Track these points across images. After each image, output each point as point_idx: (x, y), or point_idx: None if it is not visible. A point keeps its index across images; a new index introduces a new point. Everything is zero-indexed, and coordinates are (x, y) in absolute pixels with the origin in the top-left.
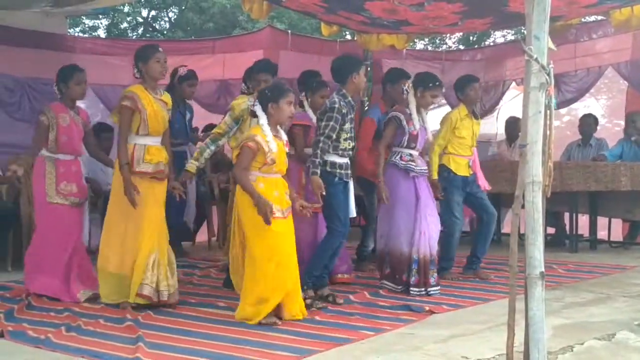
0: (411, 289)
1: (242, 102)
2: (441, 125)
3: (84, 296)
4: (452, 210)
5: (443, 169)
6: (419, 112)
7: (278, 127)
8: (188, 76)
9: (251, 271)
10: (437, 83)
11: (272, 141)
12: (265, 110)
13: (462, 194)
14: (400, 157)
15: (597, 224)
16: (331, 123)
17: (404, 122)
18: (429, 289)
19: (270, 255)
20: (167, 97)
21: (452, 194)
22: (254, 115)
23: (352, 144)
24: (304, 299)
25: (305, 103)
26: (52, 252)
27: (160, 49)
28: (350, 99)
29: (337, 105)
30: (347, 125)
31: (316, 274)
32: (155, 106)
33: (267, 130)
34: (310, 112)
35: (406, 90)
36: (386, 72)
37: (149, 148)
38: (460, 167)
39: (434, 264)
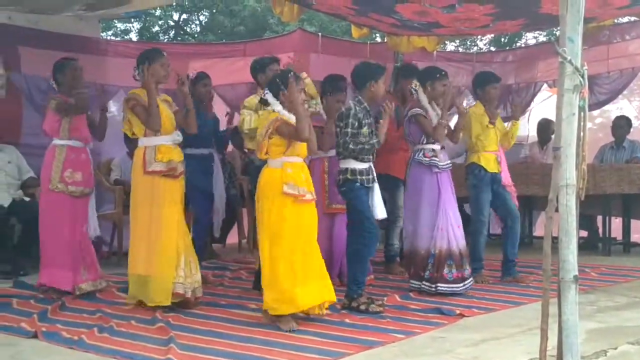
0: (423, 283)
1: (254, 97)
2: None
3: (80, 291)
4: (481, 209)
5: (474, 166)
6: (432, 106)
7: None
8: (200, 77)
9: (269, 258)
10: (443, 72)
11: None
12: (277, 97)
13: (490, 193)
14: (424, 153)
15: (631, 227)
16: (346, 129)
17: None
18: (438, 285)
19: (293, 240)
20: (168, 97)
21: (482, 192)
22: (265, 103)
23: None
24: (357, 306)
25: (320, 106)
26: (56, 241)
27: (164, 53)
28: (365, 104)
29: (352, 111)
30: (365, 130)
31: (362, 280)
32: (160, 106)
33: (285, 113)
34: (324, 115)
35: (415, 90)
36: (400, 68)
37: (160, 147)
38: (490, 163)
39: (452, 258)
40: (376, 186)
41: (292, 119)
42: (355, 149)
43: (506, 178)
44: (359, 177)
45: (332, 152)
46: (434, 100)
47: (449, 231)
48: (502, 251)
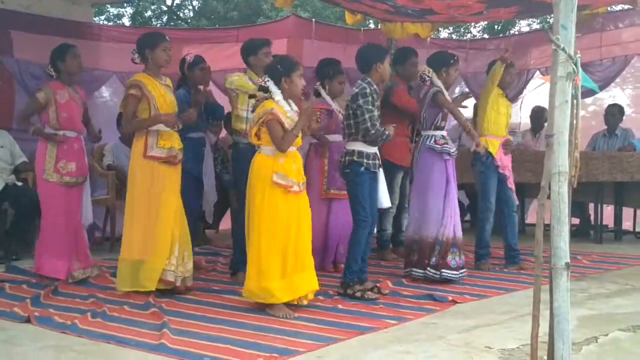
0: (428, 269)
1: (238, 76)
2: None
3: (72, 279)
4: (488, 196)
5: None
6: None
7: (290, 101)
8: (197, 61)
9: (257, 245)
10: (456, 58)
11: (292, 115)
12: (278, 85)
13: (496, 179)
14: (435, 140)
15: (622, 215)
16: (369, 107)
17: None
18: (442, 271)
19: (282, 230)
20: (169, 82)
21: (489, 178)
22: (265, 90)
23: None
24: (352, 294)
25: (322, 91)
26: (53, 231)
27: (167, 37)
28: (375, 87)
29: (367, 90)
30: (376, 113)
31: (355, 268)
32: (162, 91)
33: (284, 104)
34: (328, 99)
35: (428, 76)
36: (393, 55)
37: (162, 133)
38: (497, 149)
39: (456, 246)
40: (381, 173)
41: (289, 112)
42: (373, 133)
43: (507, 160)
44: (365, 160)
45: (333, 137)
46: (448, 86)
47: (455, 219)
48: (503, 240)
